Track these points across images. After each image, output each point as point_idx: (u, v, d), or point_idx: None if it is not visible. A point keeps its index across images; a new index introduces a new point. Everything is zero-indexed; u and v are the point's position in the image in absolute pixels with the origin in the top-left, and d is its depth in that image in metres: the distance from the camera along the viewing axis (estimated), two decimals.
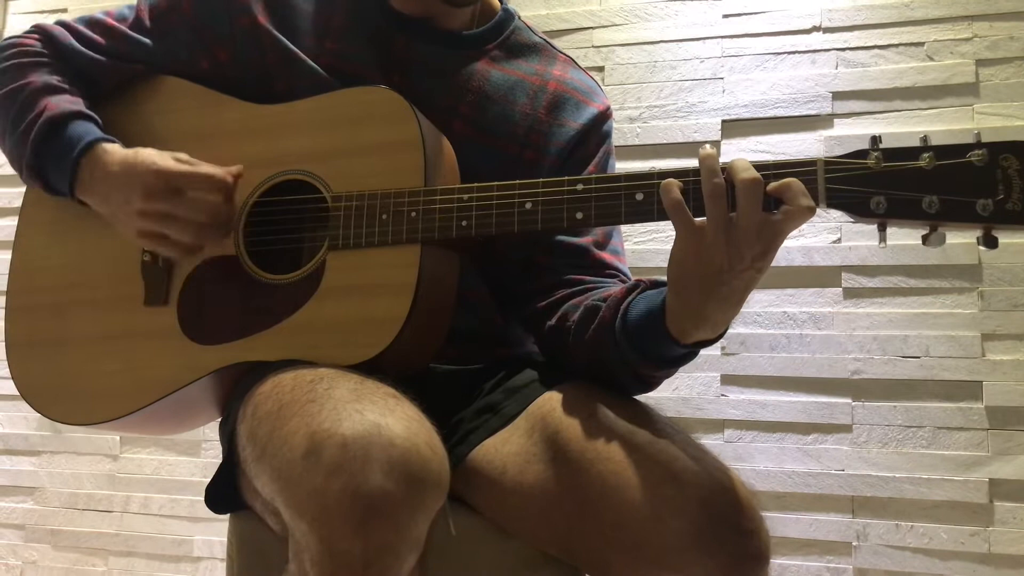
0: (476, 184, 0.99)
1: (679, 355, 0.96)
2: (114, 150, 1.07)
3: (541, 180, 0.96)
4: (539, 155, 1.14)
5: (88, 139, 1.07)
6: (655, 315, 0.93)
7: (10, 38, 1.18)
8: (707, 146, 0.88)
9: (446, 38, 1.15)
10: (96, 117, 1.12)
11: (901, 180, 0.83)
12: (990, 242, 0.81)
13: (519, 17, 1.22)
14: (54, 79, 1.12)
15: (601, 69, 2.24)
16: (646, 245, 2.12)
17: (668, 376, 1.02)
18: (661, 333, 0.93)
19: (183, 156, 1.06)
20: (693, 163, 0.88)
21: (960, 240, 1.86)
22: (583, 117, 1.17)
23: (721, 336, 0.94)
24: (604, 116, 1.19)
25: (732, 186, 0.84)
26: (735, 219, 0.84)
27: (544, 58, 1.19)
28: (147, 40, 1.15)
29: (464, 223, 0.97)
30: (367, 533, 0.73)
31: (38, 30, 1.18)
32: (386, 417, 0.78)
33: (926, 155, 0.83)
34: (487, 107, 1.13)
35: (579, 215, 0.94)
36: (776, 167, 0.87)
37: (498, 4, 1.20)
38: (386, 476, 0.74)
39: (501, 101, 1.14)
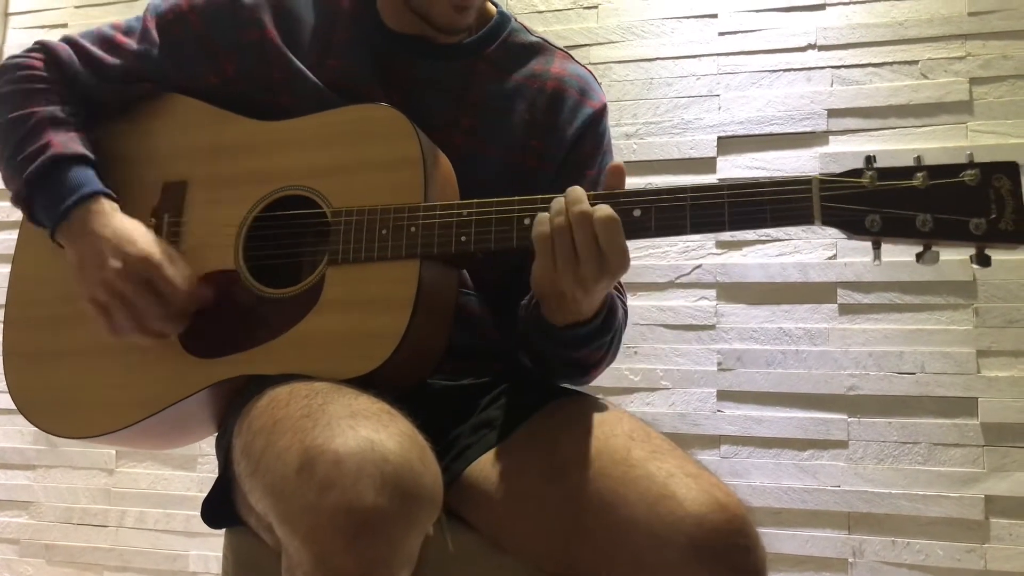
0: (475, 200, 0.99)
1: (573, 337, 1.02)
2: (114, 212, 1.07)
3: (540, 196, 0.97)
4: (540, 161, 1.15)
5: (89, 189, 1.07)
6: (538, 311, 1.02)
7: (14, 58, 1.16)
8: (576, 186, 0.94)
9: (444, 52, 1.16)
10: (95, 160, 1.11)
11: (895, 199, 0.84)
12: (983, 260, 0.82)
13: (515, 19, 1.22)
14: (58, 110, 1.12)
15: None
16: (642, 261, 2.13)
17: (593, 357, 1.07)
18: (545, 325, 1.01)
19: (174, 255, 1.06)
20: (690, 180, 0.90)
21: (954, 257, 1.87)
22: (579, 119, 1.17)
23: (604, 311, 1.01)
24: (599, 115, 1.20)
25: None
26: (577, 250, 0.90)
27: (542, 56, 1.20)
28: (154, 52, 1.14)
29: (463, 238, 0.98)
30: (360, 549, 0.73)
31: (43, 49, 1.16)
32: (379, 433, 0.78)
33: (920, 174, 0.84)
34: (487, 118, 1.14)
35: None
36: (772, 185, 0.88)
37: (493, 9, 1.21)
38: (379, 492, 0.74)
39: (501, 111, 1.15)
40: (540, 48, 1.21)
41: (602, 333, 1.03)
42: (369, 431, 0.78)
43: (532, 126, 1.15)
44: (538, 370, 1.14)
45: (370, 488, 0.74)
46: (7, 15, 2.75)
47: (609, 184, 0.96)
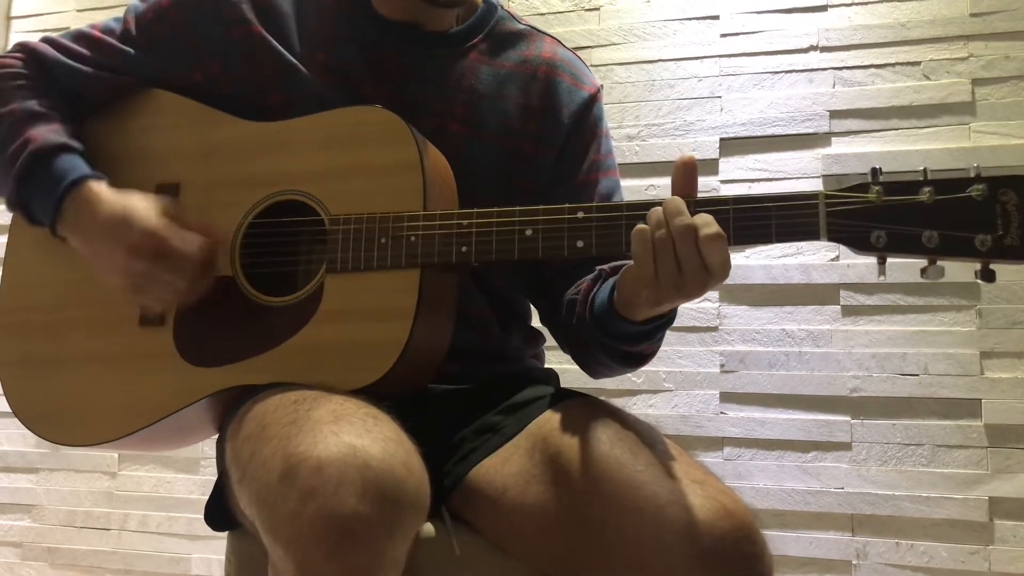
0: (476, 210, 0.98)
1: (644, 331, 0.99)
2: (101, 194, 1.05)
3: (542, 207, 0.96)
4: (537, 146, 1.15)
5: (72, 176, 1.05)
6: (611, 306, 0.98)
7: None
8: (665, 198, 0.89)
9: (434, 40, 1.15)
10: (80, 148, 1.09)
11: (901, 214, 0.83)
12: (987, 276, 0.82)
13: (502, 7, 1.22)
14: (36, 105, 1.10)
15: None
16: None
17: (652, 348, 1.05)
18: (617, 320, 0.98)
19: (171, 212, 1.04)
20: None
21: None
22: (574, 103, 1.17)
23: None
24: (594, 99, 1.20)
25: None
26: (681, 265, 0.85)
27: (531, 43, 1.20)
28: (135, 52, 1.13)
29: (464, 249, 0.97)
30: (342, 556, 0.73)
31: (22, 48, 1.15)
32: (363, 438, 0.78)
33: (926, 189, 0.83)
34: (481, 105, 1.14)
35: (580, 243, 0.94)
36: (777, 200, 0.87)
37: None
38: (360, 499, 0.74)
39: (494, 97, 1.15)
40: (529, 35, 1.21)
41: (669, 323, 1.01)
42: (352, 437, 0.78)
43: (527, 111, 1.15)
44: (586, 363, 1.14)
45: (351, 495, 0.74)
46: (9, 19, 2.76)
47: (681, 181, 0.91)
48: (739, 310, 2.09)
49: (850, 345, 2.00)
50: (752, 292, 2.08)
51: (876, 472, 1.94)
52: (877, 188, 0.84)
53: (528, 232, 0.96)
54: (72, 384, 1.10)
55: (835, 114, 2.09)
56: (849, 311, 2.02)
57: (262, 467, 0.80)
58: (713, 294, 2.10)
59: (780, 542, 1.95)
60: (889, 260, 0.85)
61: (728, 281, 2.09)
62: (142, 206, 1.04)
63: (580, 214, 0.95)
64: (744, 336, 2.07)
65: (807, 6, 2.15)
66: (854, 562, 1.93)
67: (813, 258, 2.05)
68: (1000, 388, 1.90)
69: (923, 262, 0.84)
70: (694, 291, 0.86)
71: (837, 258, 2.03)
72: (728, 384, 2.06)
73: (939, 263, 0.83)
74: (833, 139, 2.08)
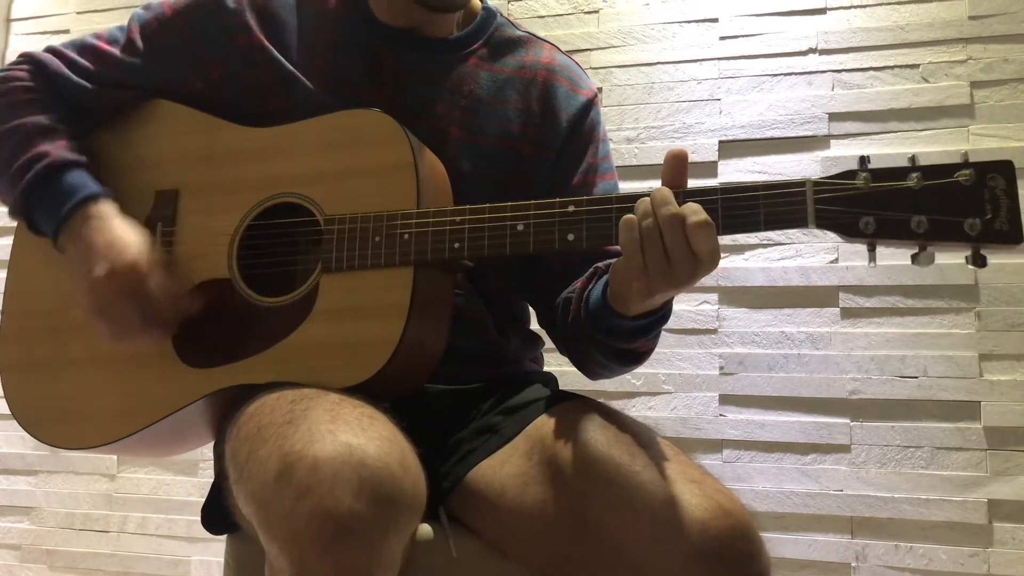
0: (468, 207, 0.99)
1: (639, 326, 0.98)
2: (109, 217, 1.06)
3: (533, 202, 0.97)
4: (537, 149, 1.16)
5: (85, 193, 1.07)
6: (605, 302, 0.99)
7: (1, 71, 1.17)
8: (655, 188, 0.89)
9: (433, 45, 1.16)
10: (86, 162, 1.11)
11: (889, 200, 0.83)
12: (978, 261, 0.82)
13: (501, 14, 1.23)
14: (47, 119, 1.11)
15: (599, 90, 2.25)
16: None
17: (648, 345, 1.05)
18: (612, 316, 0.98)
19: (165, 266, 1.05)
20: (689, 184, 0.90)
21: (956, 260, 1.87)
22: (573, 107, 1.18)
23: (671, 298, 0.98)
24: (591, 104, 1.21)
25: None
26: (669, 254, 0.85)
27: (530, 49, 1.21)
28: (139, 62, 1.15)
29: (457, 245, 0.98)
30: (337, 555, 0.73)
31: (28, 59, 1.17)
32: (358, 437, 0.78)
33: (914, 175, 0.83)
34: (481, 109, 1.15)
35: (570, 236, 0.95)
36: (765, 187, 0.87)
37: (479, 5, 1.22)
38: (356, 497, 0.74)
39: (493, 102, 1.15)
40: (527, 41, 1.22)
41: (664, 319, 1.01)
42: (348, 436, 0.78)
43: (527, 115, 1.16)
44: (583, 363, 1.14)
45: (347, 493, 0.74)
46: (9, 21, 2.76)
47: (670, 173, 0.91)
48: (738, 312, 2.09)
49: (849, 347, 2.00)
50: (751, 294, 2.08)
51: (875, 474, 1.94)
52: (864, 175, 0.84)
53: (519, 227, 0.96)
54: (71, 387, 1.10)
55: (834, 116, 2.09)
56: (848, 313, 2.02)
57: (259, 466, 0.81)
58: (712, 296, 2.10)
59: (779, 544, 1.95)
60: (886, 257, 0.85)
61: (727, 283, 2.10)
62: (139, 242, 1.05)
63: (571, 208, 0.95)
64: (743, 338, 2.07)
65: (806, 9, 2.15)
66: (853, 564, 1.93)
67: (812, 260, 2.05)
68: (999, 390, 1.90)
69: (913, 248, 0.84)
70: (684, 280, 0.86)
71: (836, 260, 2.03)
72: (727, 386, 2.06)
73: (929, 249, 0.83)
74: (832, 141, 2.09)
